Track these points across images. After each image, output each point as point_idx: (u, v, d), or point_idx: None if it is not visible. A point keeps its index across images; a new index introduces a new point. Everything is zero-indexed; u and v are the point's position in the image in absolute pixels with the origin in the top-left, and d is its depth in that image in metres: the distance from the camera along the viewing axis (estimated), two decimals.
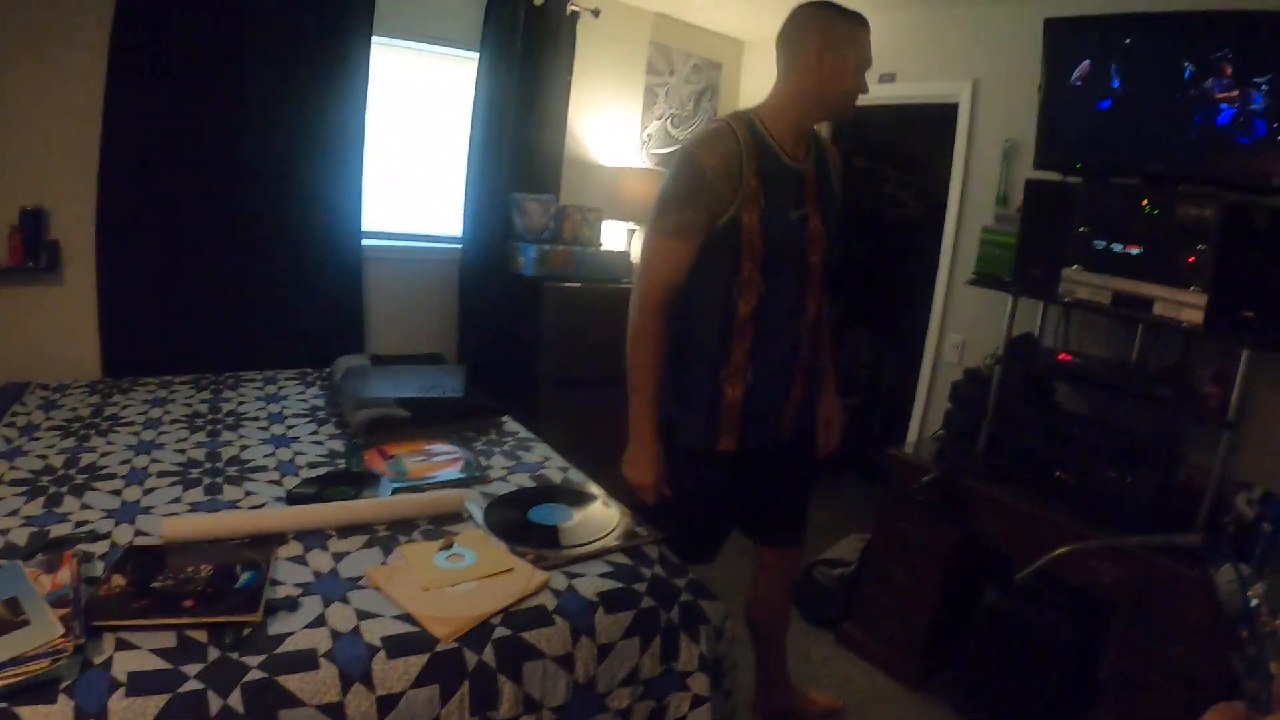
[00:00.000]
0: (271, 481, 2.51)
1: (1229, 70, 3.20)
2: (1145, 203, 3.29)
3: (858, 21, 2.53)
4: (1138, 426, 3.35)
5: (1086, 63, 3.61)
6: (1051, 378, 3.70)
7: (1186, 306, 3.12)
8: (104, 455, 2.59)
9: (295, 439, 2.93)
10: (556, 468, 3.00)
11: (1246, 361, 3.02)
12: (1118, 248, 3.12)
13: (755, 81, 6.08)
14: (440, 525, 2.33)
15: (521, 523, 2.40)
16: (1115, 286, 3.31)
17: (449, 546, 2.14)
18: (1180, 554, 2.83)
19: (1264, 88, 3.12)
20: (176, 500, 2.30)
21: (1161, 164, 3.38)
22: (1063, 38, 3.69)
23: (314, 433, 3.03)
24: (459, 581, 1.97)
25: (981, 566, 3.59)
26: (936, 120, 4.91)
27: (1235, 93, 3.18)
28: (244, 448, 2.78)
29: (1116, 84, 3.53)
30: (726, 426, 2.62)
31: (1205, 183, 3.25)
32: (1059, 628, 3.29)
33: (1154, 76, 3.41)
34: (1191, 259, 3.12)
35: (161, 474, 2.48)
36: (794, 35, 2.50)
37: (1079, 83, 3.63)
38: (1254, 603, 0.76)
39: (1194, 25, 3.33)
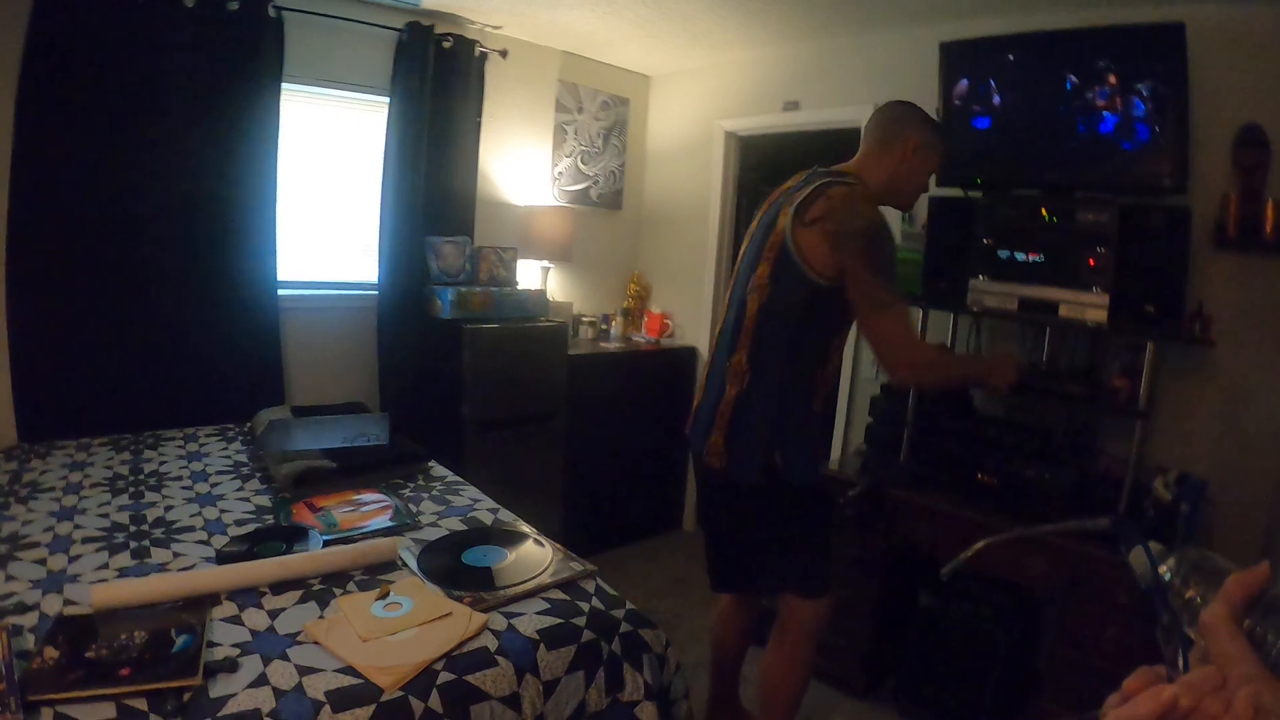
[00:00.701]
0: (200, 541, 2.48)
1: (1111, 80, 3.38)
2: (1044, 211, 3.47)
3: (943, 134, 2.93)
4: (1054, 424, 3.48)
5: (964, 82, 3.77)
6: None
7: (1090, 307, 3.32)
8: (25, 524, 2.53)
9: (221, 497, 2.90)
10: (486, 509, 3.00)
11: (1151, 353, 3.22)
12: (1021, 256, 3.25)
13: (662, 115, 6.21)
14: (375, 575, 2.32)
15: (456, 566, 2.41)
16: (1021, 293, 3.48)
17: (385, 595, 2.14)
18: (1091, 537, 2.94)
19: (1144, 94, 3.29)
20: (104, 566, 2.26)
21: (1057, 174, 3.57)
22: (957, 60, 3.83)
23: (239, 489, 3.00)
24: (398, 630, 1.97)
25: (915, 572, 3.70)
26: (840, 144, 5.00)
27: (1118, 101, 3.35)
28: (169, 508, 2.74)
29: (1000, 100, 3.72)
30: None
31: (1100, 189, 3.44)
32: (994, 624, 3.39)
33: (1044, 91, 3.61)
34: (1092, 261, 3.32)
35: (86, 540, 2.43)
36: (894, 126, 2.83)
37: (958, 101, 3.78)
38: (1167, 576, 0.81)
39: (1076, 40, 3.54)
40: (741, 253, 2.92)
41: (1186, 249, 3.30)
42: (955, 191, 3.94)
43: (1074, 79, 3.52)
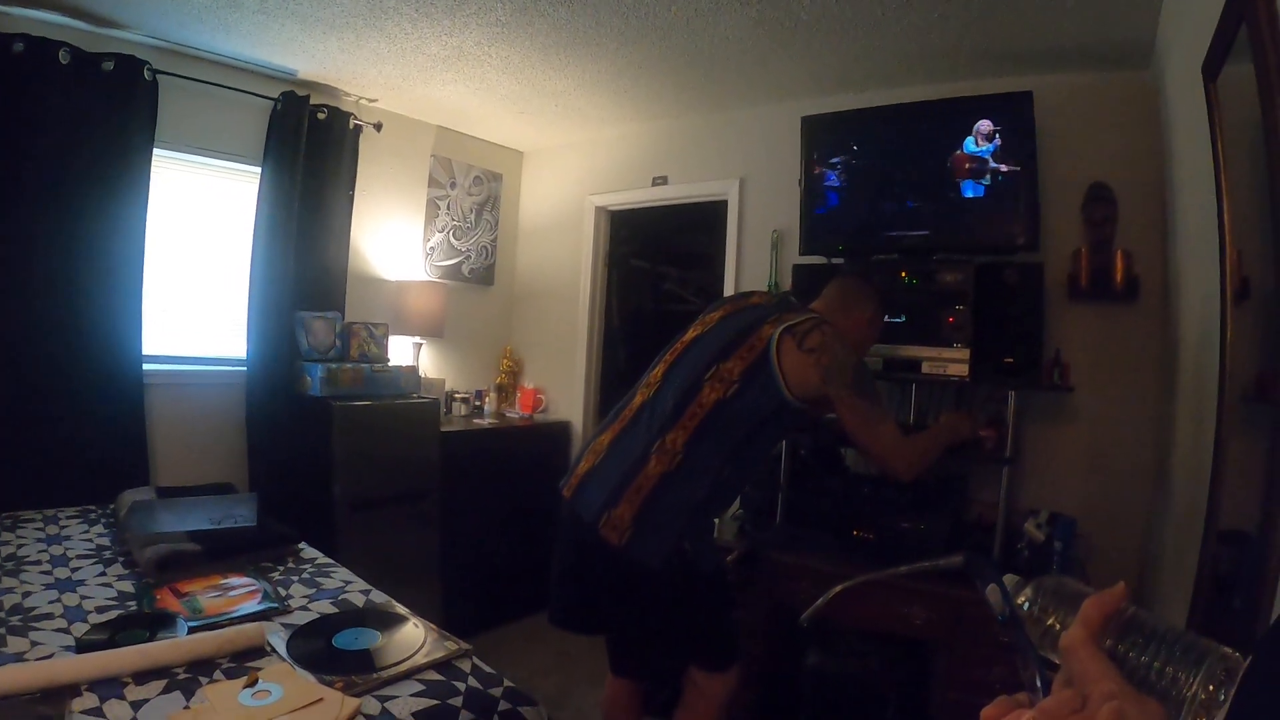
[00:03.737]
0: (59, 629, 2.35)
1: (965, 148, 3.57)
2: (904, 274, 3.61)
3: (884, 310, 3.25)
4: (924, 477, 3.57)
5: (824, 154, 3.94)
6: (836, 445, 3.89)
7: (952, 362, 3.49)
8: None
9: (81, 582, 2.75)
10: (358, 591, 2.92)
11: (1014, 402, 3.39)
12: (882, 323, 3.34)
13: (534, 189, 6.32)
14: (242, 662, 2.24)
15: (327, 650, 2.34)
16: (886, 354, 3.63)
17: (254, 683, 2.06)
18: (945, 575, 3.03)
19: (996, 159, 3.53)
20: None
21: (915, 239, 3.75)
22: (818, 133, 4.00)
23: (101, 574, 2.86)
24: (268, 718, 1.90)
25: (800, 632, 3.70)
26: (709, 217, 5.18)
27: (971, 167, 3.53)
28: (26, 594, 2.59)
29: (860, 170, 3.93)
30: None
31: (957, 250, 3.64)
32: (883, 676, 3.46)
33: (901, 160, 3.81)
34: (951, 319, 3.50)
35: None
36: (854, 297, 3.10)
37: (817, 172, 3.99)
38: (1025, 606, 0.84)
39: (931, 111, 3.76)
40: (688, 338, 2.97)
41: (1041, 302, 3.53)
42: (818, 259, 4.08)
43: (929, 148, 3.70)
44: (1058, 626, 0.79)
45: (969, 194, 3.62)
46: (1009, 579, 0.91)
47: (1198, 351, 2.66)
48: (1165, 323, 3.41)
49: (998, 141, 3.54)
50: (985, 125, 3.63)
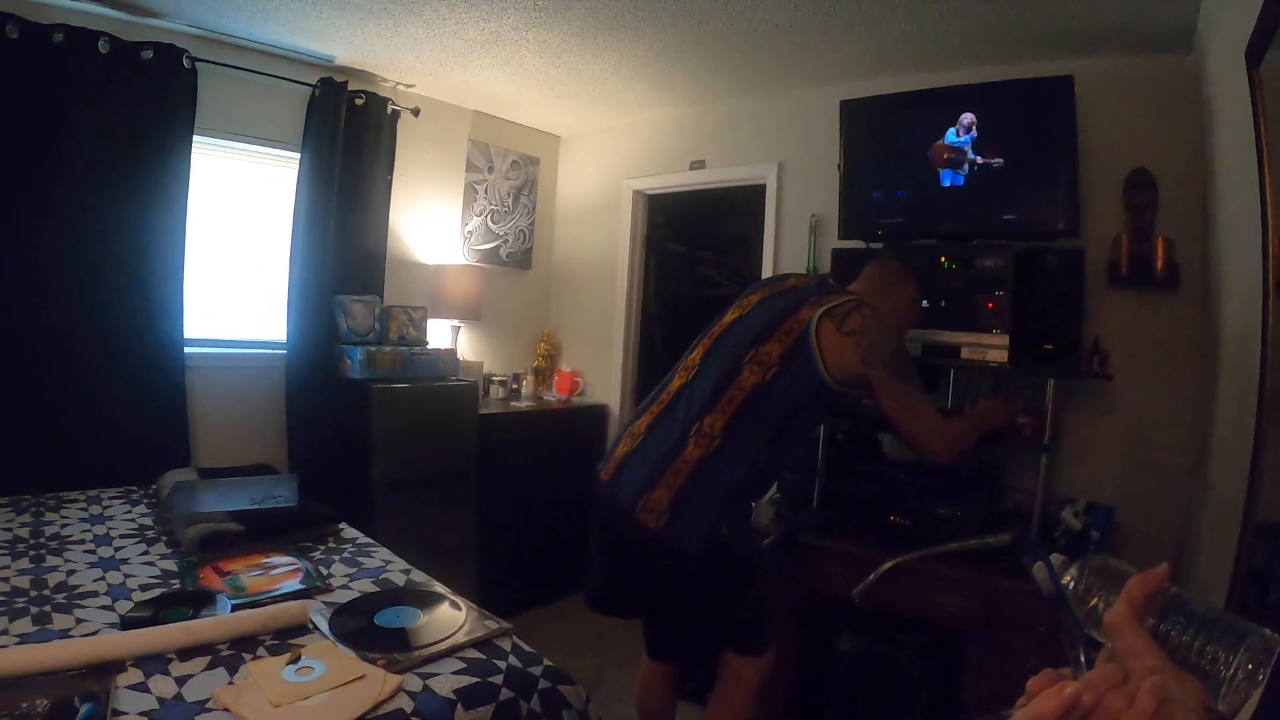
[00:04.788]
0: (103, 607, 2.39)
1: (1005, 132, 3.60)
2: (943, 260, 3.56)
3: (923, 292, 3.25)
4: (962, 463, 3.54)
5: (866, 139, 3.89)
6: (874, 430, 3.87)
7: (992, 348, 3.44)
8: None
9: (125, 561, 2.80)
10: (399, 570, 2.95)
11: (1053, 389, 3.35)
12: (923, 303, 3.31)
13: (572, 174, 6.31)
14: (285, 639, 2.26)
15: (368, 628, 2.37)
16: (924, 339, 3.58)
17: (297, 660, 2.09)
18: (982, 562, 3.04)
19: (1037, 144, 3.54)
20: (3, 632, 2.16)
21: (955, 224, 3.69)
22: (857, 117, 3.96)
23: (144, 553, 2.90)
24: (311, 694, 1.92)
25: (833, 618, 3.71)
26: (746, 202, 5.14)
27: (1012, 151, 3.57)
28: (71, 573, 2.63)
29: (900, 154, 3.87)
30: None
31: (997, 236, 3.58)
32: (916, 662, 3.43)
33: (963, 140, 3.70)
34: (991, 305, 3.44)
35: None
36: (895, 279, 3.11)
37: (858, 157, 3.97)
38: (1071, 585, 0.84)
39: (970, 95, 3.71)
40: (727, 321, 2.97)
41: (1081, 288, 3.50)
42: (857, 244, 4.06)
43: (970, 132, 3.65)
44: (1102, 606, 0.80)
45: (1008, 179, 3.59)
46: (1055, 559, 0.91)
47: (1239, 341, 2.63)
48: (1206, 311, 3.36)
49: (1039, 127, 3.51)
50: (967, 117, 3.65)
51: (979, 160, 3.63)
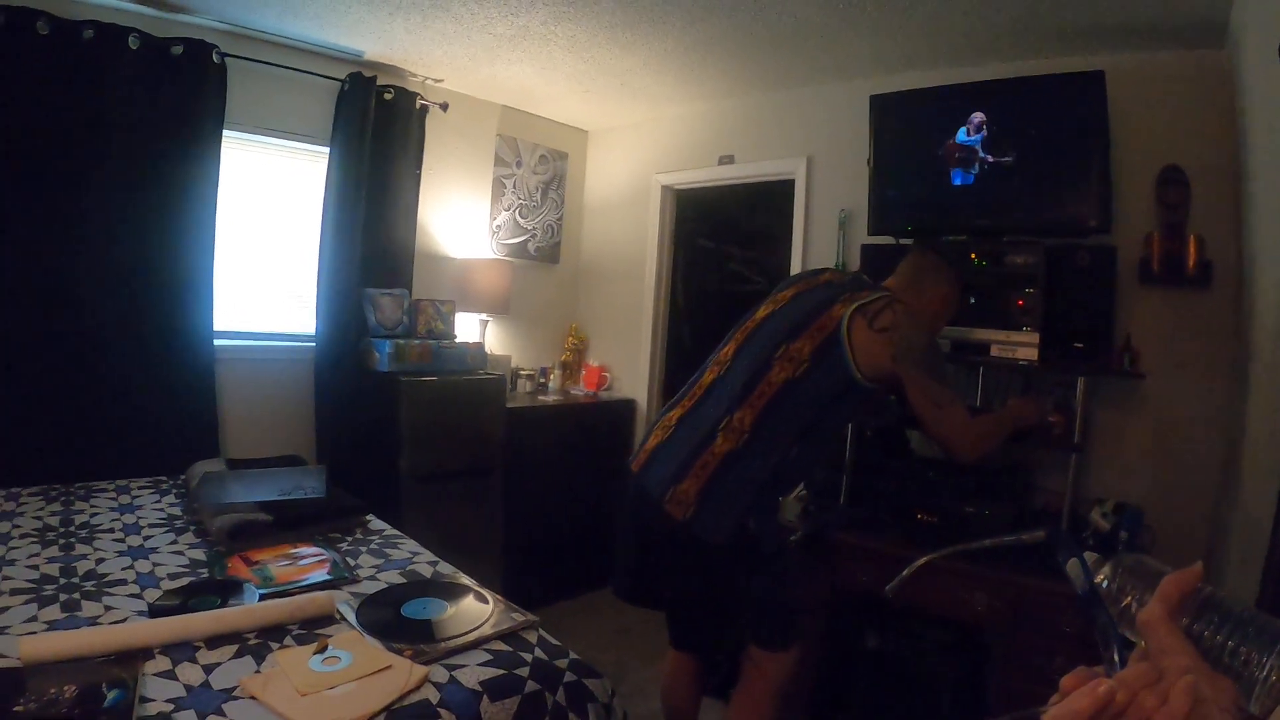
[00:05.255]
0: (132, 595, 2.41)
1: (1037, 127, 3.57)
2: (973, 256, 3.54)
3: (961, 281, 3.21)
4: (990, 462, 3.51)
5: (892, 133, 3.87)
6: (903, 428, 3.85)
7: (1022, 346, 3.42)
8: None
9: (154, 550, 2.82)
10: (425, 562, 2.96)
11: (1083, 388, 3.32)
12: (957, 302, 3.28)
13: (600, 168, 6.32)
14: (312, 629, 2.28)
15: (395, 619, 2.38)
16: (954, 336, 3.57)
17: (323, 649, 2.10)
18: (1010, 561, 3.08)
19: (1068, 140, 3.49)
20: (33, 619, 2.18)
21: (985, 219, 3.66)
22: (887, 111, 3.95)
23: (173, 542, 2.93)
24: (337, 684, 1.93)
25: (859, 615, 3.69)
26: (775, 196, 5.13)
27: (1043, 147, 3.57)
28: (100, 561, 2.66)
29: (929, 149, 3.84)
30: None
31: (1027, 232, 3.56)
32: (942, 661, 3.42)
33: (971, 139, 3.66)
34: (1021, 302, 3.43)
35: (14, 591, 2.35)
36: (930, 274, 3.08)
37: (886, 152, 3.97)
38: (1105, 583, 0.84)
39: (1001, 90, 3.72)
40: (759, 317, 2.95)
41: (1113, 285, 3.46)
42: (887, 239, 4.04)
43: (999, 127, 3.63)
44: (1135, 605, 0.79)
45: (1038, 174, 3.56)
46: (1089, 557, 0.91)
47: (1272, 339, 2.60)
48: (1238, 309, 3.32)
49: (1070, 123, 3.48)
50: (978, 116, 3.66)
51: (990, 159, 3.63)
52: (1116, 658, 0.79)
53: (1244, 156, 3.19)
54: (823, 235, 4.77)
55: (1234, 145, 3.32)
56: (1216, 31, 3.38)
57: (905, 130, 3.98)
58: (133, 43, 3.79)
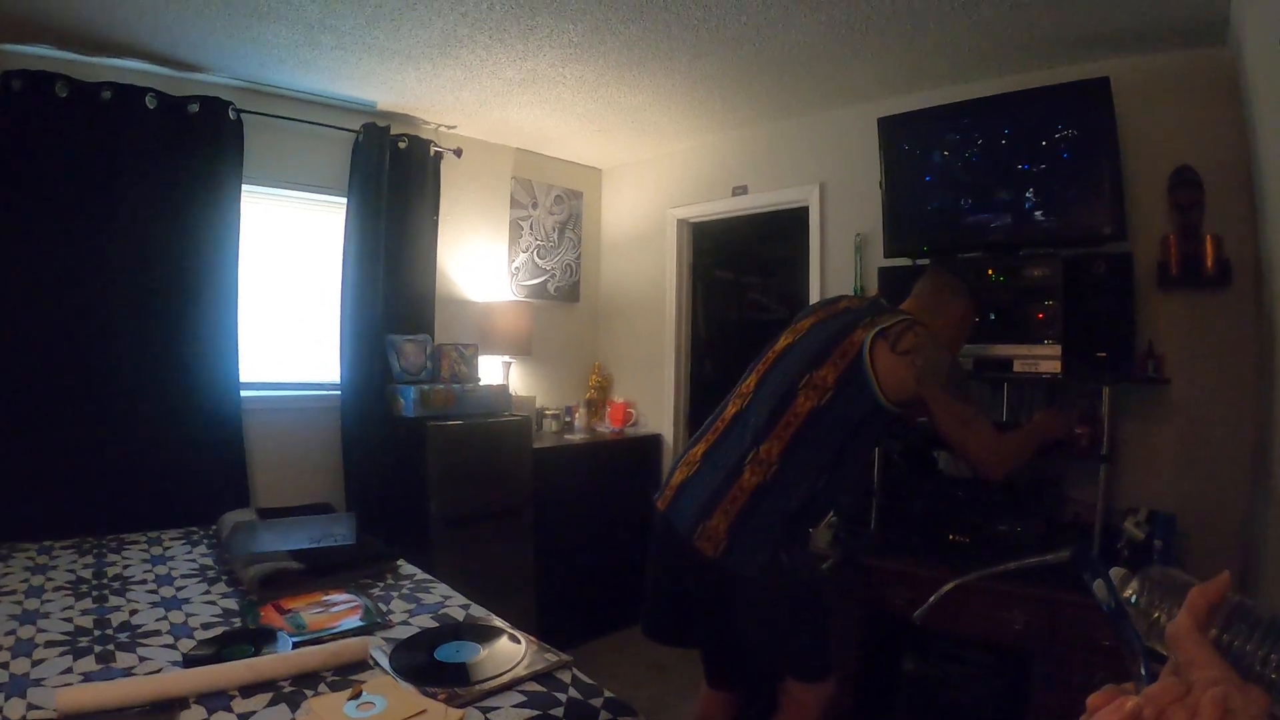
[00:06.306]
0: (166, 645, 2.42)
1: (1045, 138, 3.56)
2: (990, 272, 3.53)
3: (979, 302, 3.25)
4: (1019, 478, 3.49)
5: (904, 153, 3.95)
6: (930, 448, 3.83)
7: (1044, 359, 3.41)
8: None
9: (186, 600, 2.84)
10: (458, 605, 2.96)
11: (1108, 397, 3.30)
12: (975, 320, 3.27)
13: (615, 205, 6.36)
14: (346, 675, 2.28)
15: (429, 663, 2.37)
16: (976, 354, 3.55)
17: (358, 695, 2.10)
18: (1061, 577, 3.00)
19: (1077, 148, 3.47)
20: (68, 670, 2.19)
21: (1000, 234, 3.66)
22: (895, 133, 3.97)
23: (205, 592, 2.94)
24: None
25: (896, 639, 3.67)
26: (790, 224, 5.14)
27: (1052, 157, 3.55)
28: (134, 612, 2.67)
29: (939, 168, 3.87)
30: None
31: (1043, 244, 3.56)
32: (981, 682, 3.39)
33: (980, 155, 3.75)
34: (1040, 315, 3.42)
35: (49, 644, 2.36)
36: (946, 295, 3.08)
37: (899, 174, 3.95)
38: (1133, 599, 0.83)
39: (1007, 105, 3.72)
40: (780, 347, 2.95)
41: (1132, 292, 3.45)
42: (903, 261, 4.05)
43: (1008, 141, 3.64)
44: (1164, 619, 0.79)
45: (1050, 186, 3.57)
46: (1116, 572, 0.91)
47: None
48: (1260, 308, 3.30)
49: (1078, 131, 3.49)
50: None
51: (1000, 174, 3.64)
52: (1144, 673, 0.79)
53: (1254, 151, 3.18)
54: (839, 260, 4.77)
55: (1243, 141, 3.31)
56: (1217, 29, 3.38)
57: (915, 150, 3.98)
58: (150, 102, 3.86)
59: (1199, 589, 0.74)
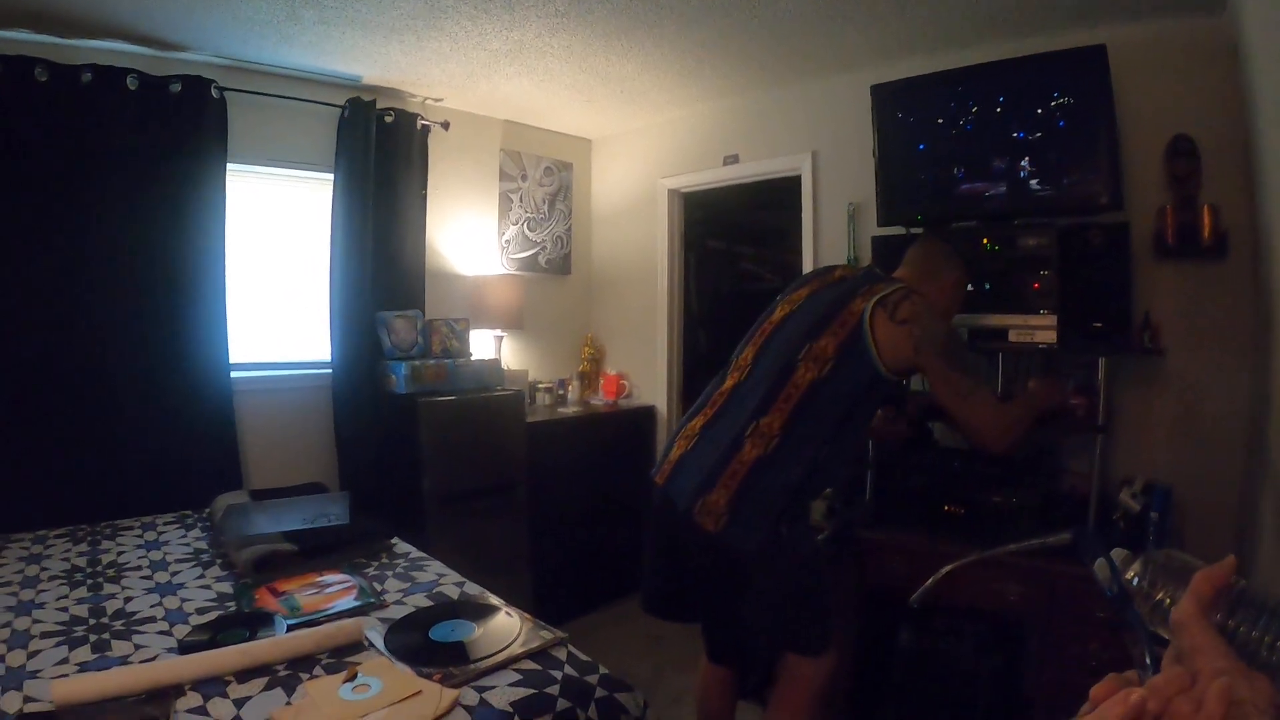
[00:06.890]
0: (161, 632, 2.42)
1: (1040, 106, 3.52)
2: (985, 241, 3.52)
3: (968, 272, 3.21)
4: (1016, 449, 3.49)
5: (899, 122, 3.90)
6: (925, 419, 3.82)
7: (1040, 329, 3.38)
8: None
9: (181, 585, 2.83)
10: (452, 584, 2.96)
11: (1104, 368, 3.30)
12: (968, 287, 3.26)
13: (605, 176, 6.32)
14: (341, 657, 2.27)
15: (424, 643, 2.37)
16: (971, 323, 3.53)
17: (353, 677, 2.09)
18: (1058, 553, 2.97)
19: (1072, 117, 3.42)
20: (64, 661, 2.19)
21: (995, 204, 3.64)
22: (888, 101, 3.93)
23: (200, 577, 2.93)
24: (368, 711, 1.92)
25: (892, 611, 3.66)
26: (782, 193, 5.11)
27: (1048, 126, 3.50)
28: (129, 599, 2.67)
29: (933, 137, 3.83)
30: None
31: (1038, 214, 3.53)
32: (978, 654, 3.38)
33: (974, 124, 3.70)
34: (1036, 285, 3.40)
35: (45, 634, 2.36)
36: (938, 261, 3.07)
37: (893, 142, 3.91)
38: (1135, 581, 0.82)
39: (1001, 72, 3.69)
40: (776, 318, 2.92)
41: (1128, 262, 3.43)
42: (897, 230, 4.02)
43: (1002, 110, 3.61)
44: (1168, 601, 0.78)
45: (1045, 155, 3.52)
46: (1118, 554, 0.89)
47: None
48: (1257, 278, 3.27)
49: (1073, 99, 3.45)
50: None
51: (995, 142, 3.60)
52: (1148, 658, 0.77)
53: (1252, 121, 3.15)
54: (832, 229, 4.74)
55: (1241, 110, 3.28)
56: None
57: (908, 118, 3.94)
58: (131, 83, 3.81)
59: (1204, 573, 0.72)
